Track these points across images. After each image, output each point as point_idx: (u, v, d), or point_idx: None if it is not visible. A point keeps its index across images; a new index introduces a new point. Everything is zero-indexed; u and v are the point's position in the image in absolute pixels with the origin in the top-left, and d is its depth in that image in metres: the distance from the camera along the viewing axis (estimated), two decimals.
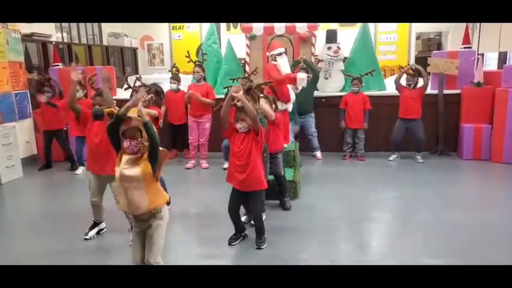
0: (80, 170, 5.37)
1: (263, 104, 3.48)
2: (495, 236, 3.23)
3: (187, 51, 5.60)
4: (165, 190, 3.95)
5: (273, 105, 3.67)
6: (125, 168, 2.25)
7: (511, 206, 3.91)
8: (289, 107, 4.52)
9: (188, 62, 5.59)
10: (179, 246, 3.28)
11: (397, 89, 5.49)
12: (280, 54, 4.45)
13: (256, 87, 3.66)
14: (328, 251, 3.07)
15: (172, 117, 5.82)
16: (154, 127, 2.27)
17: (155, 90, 3.70)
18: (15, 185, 5.07)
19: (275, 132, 3.74)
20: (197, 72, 5.39)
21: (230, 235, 3.23)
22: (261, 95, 3.63)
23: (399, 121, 5.52)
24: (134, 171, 2.25)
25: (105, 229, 3.48)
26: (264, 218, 3.54)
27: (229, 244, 3.19)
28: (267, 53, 5.01)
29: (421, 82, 5.43)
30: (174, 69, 5.85)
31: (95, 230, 3.41)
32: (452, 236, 3.23)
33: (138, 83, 5.02)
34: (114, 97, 6.57)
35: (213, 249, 3.14)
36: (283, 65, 4.43)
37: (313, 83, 5.54)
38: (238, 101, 3.01)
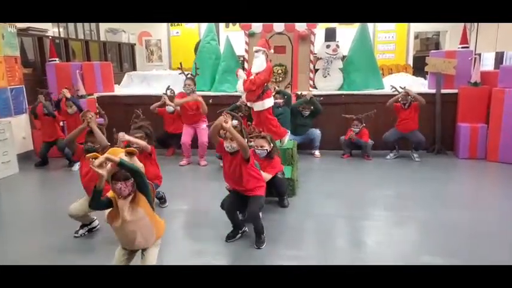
0: (77, 166, 5.34)
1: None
2: (492, 235, 3.25)
3: (180, 63, 5.59)
4: (162, 197, 3.97)
5: (271, 144, 3.68)
6: (127, 215, 2.27)
7: (506, 204, 3.93)
8: (269, 103, 4.44)
9: (180, 74, 5.56)
10: (176, 244, 3.26)
11: (392, 109, 5.50)
12: (256, 51, 4.45)
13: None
14: (326, 250, 3.07)
15: (168, 128, 5.92)
16: (127, 160, 2.23)
17: (145, 133, 3.70)
18: (10, 181, 5.04)
19: (270, 166, 3.73)
20: (188, 85, 5.33)
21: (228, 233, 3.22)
22: (259, 135, 3.66)
23: (395, 129, 5.54)
24: (135, 212, 2.29)
25: (98, 226, 3.45)
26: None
27: (227, 241, 3.17)
28: None
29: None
30: (168, 91, 5.86)
31: (86, 228, 3.39)
32: (450, 235, 3.25)
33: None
34: (112, 94, 6.59)
35: (210, 248, 3.13)
36: (254, 64, 4.42)
37: (314, 115, 5.73)
38: (225, 132, 2.94)
